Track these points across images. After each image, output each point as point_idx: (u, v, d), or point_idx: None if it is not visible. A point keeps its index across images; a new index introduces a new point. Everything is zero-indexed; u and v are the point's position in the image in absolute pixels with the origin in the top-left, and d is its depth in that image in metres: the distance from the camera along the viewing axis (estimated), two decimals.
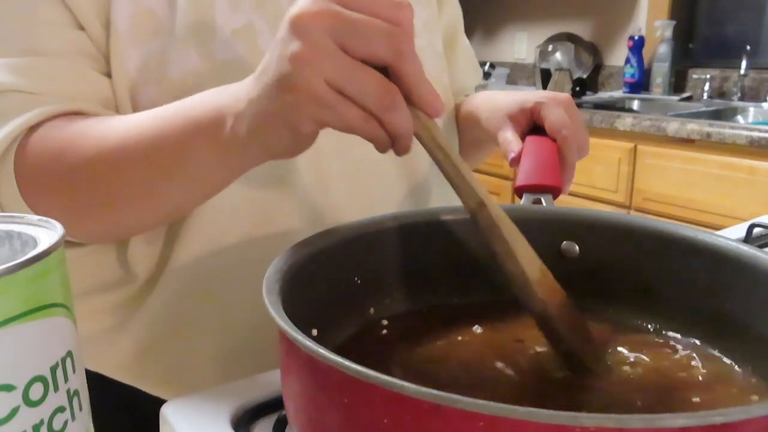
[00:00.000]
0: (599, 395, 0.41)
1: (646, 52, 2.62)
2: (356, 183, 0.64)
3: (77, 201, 0.52)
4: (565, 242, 0.52)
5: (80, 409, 0.30)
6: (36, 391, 0.27)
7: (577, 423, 0.25)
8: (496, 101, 0.71)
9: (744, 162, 1.83)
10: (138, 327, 0.61)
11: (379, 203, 0.64)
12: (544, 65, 2.89)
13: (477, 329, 0.49)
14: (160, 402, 0.47)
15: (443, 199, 0.70)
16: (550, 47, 2.91)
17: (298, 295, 0.40)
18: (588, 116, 2.17)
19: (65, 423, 0.28)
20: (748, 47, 2.35)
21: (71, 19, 0.54)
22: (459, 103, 0.80)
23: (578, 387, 0.42)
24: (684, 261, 0.48)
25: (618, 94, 2.69)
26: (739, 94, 2.40)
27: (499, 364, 0.44)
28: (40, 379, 0.27)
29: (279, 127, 0.42)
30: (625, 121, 2.08)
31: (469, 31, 0.87)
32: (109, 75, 0.56)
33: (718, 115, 2.24)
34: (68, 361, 0.28)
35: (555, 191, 0.59)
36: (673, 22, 2.55)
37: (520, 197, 0.58)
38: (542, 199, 0.57)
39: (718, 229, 0.82)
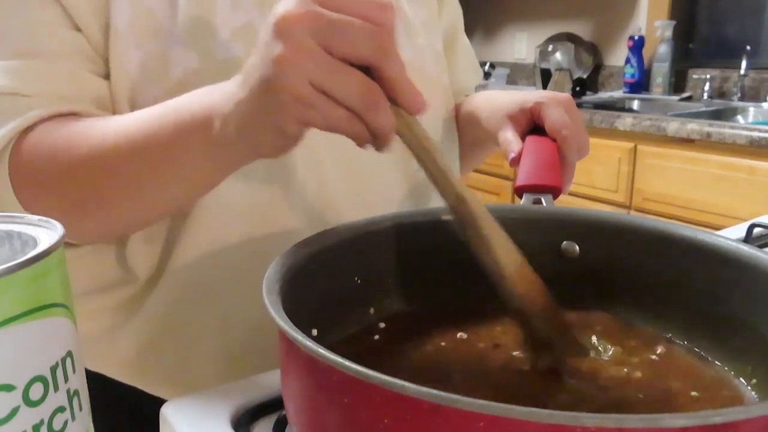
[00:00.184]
0: (599, 395, 0.41)
1: (646, 52, 2.62)
2: (356, 183, 0.64)
3: (72, 201, 0.53)
4: (565, 242, 0.52)
5: (80, 409, 0.30)
6: (36, 391, 0.27)
7: (577, 423, 0.25)
8: (496, 101, 0.71)
9: (744, 162, 1.83)
10: (138, 327, 0.61)
11: (378, 203, 0.64)
12: (544, 65, 2.89)
13: (480, 328, 0.49)
14: (161, 402, 0.47)
15: (443, 199, 0.69)
16: (550, 47, 2.91)
17: (298, 295, 0.40)
18: (588, 116, 2.17)
19: (65, 423, 0.28)
20: (748, 47, 2.35)
21: (68, 20, 0.54)
22: (459, 103, 0.80)
23: (578, 387, 0.42)
24: (684, 261, 0.48)
25: (618, 94, 2.69)
26: (739, 94, 2.40)
27: (501, 363, 0.44)
28: (40, 379, 0.27)
29: (265, 128, 0.42)
30: (625, 121, 2.08)
31: (469, 31, 0.87)
32: (106, 76, 0.57)
33: (718, 115, 2.24)
34: (68, 361, 0.28)
35: (555, 191, 0.59)
36: (673, 22, 2.55)
37: (520, 197, 0.58)
38: (542, 199, 0.58)
39: (718, 229, 0.82)
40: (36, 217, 0.31)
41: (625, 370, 0.44)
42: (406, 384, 0.27)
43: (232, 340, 0.61)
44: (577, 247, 0.52)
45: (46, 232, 0.30)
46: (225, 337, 0.61)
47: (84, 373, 0.31)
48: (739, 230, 0.82)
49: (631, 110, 2.41)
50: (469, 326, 0.49)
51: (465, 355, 0.46)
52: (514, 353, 0.46)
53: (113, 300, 0.61)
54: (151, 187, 0.51)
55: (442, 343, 0.47)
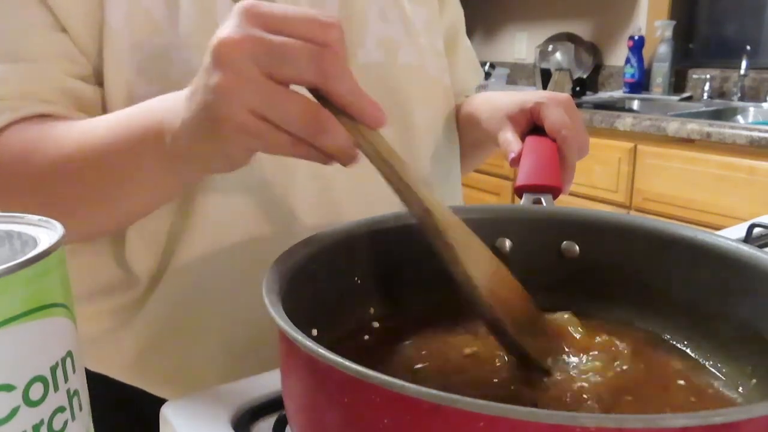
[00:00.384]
0: (598, 395, 0.41)
1: (646, 52, 2.62)
2: (357, 183, 0.64)
3: (42, 203, 0.53)
4: (565, 242, 0.52)
5: (80, 409, 0.30)
6: (36, 391, 0.27)
7: (577, 423, 0.25)
8: (496, 102, 0.71)
9: (744, 162, 1.83)
10: (140, 328, 0.61)
11: (380, 203, 0.64)
12: (544, 65, 2.89)
13: (481, 327, 0.48)
14: (161, 402, 0.47)
15: (445, 199, 0.70)
16: (550, 47, 2.91)
17: (298, 295, 0.40)
18: (588, 116, 2.17)
19: (65, 423, 0.28)
20: (748, 47, 2.35)
21: (53, 21, 0.54)
22: (459, 104, 0.80)
23: (578, 387, 0.42)
24: (684, 261, 0.48)
25: (618, 94, 2.69)
26: (739, 94, 2.40)
27: (501, 362, 0.44)
28: (40, 379, 0.27)
29: (212, 151, 0.43)
30: (625, 121, 2.08)
31: (469, 31, 0.87)
32: (90, 77, 0.57)
33: (718, 115, 2.24)
34: (68, 361, 0.28)
35: (555, 191, 0.59)
36: (673, 22, 2.56)
37: (520, 197, 0.58)
38: (542, 199, 0.58)
39: (718, 229, 0.82)
40: (36, 217, 0.31)
41: (625, 369, 0.44)
42: (406, 384, 0.27)
43: (232, 340, 0.61)
44: (577, 247, 0.52)
45: (46, 232, 0.30)
46: (225, 338, 0.61)
47: (84, 373, 0.31)
48: (739, 230, 0.82)
49: (631, 110, 2.41)
50: (469, 326, 0.49)
51: (465, 355, 0.46)
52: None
53: (115, 302, 0.62)
54: (113, 193, 0.51)
55: (443, 343, 0.47)
